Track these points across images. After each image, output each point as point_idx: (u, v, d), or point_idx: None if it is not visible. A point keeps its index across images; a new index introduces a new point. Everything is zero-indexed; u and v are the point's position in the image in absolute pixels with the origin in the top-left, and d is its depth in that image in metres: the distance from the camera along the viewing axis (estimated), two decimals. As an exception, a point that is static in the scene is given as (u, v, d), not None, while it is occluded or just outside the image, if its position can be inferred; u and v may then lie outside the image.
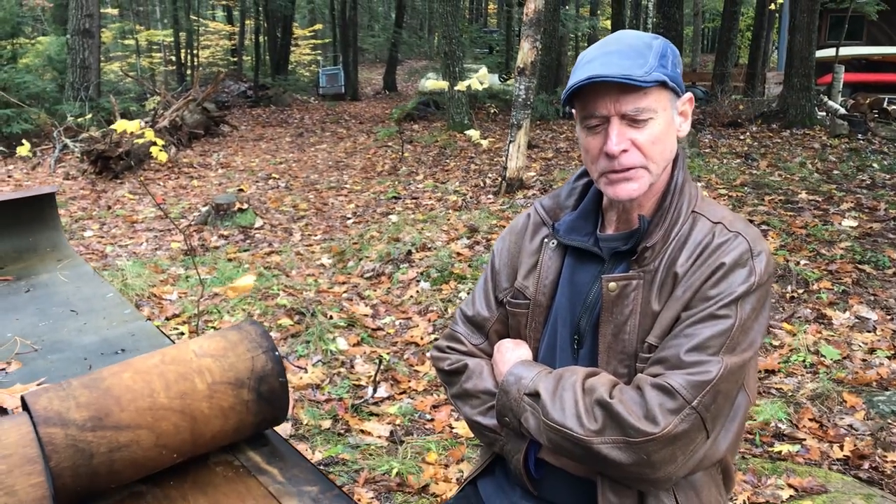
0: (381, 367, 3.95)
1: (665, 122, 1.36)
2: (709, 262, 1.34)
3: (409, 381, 3.97)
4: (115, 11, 28.61)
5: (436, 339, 4.46)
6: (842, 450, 3.25)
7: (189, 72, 27.70)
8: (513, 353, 1.51)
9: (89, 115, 11.96)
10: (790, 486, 2.94)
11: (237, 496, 0.78)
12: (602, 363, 1.41)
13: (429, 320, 4.72)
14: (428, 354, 4.34)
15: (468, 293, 4.93)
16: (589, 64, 1.34)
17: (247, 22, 26.91)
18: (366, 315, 4.84)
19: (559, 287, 1.50)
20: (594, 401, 1.31)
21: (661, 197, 1.41)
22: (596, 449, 1.29)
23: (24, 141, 7.15)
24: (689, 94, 1.44)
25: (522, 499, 1.53)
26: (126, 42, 26.00)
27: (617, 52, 1.34)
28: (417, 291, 5.15)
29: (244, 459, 0.87)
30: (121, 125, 7.40)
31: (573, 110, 1.41)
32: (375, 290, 5.32)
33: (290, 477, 0.81)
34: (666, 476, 1.30)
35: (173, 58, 28.92)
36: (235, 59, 28.15)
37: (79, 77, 13.22)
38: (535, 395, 1.38)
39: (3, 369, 1.10)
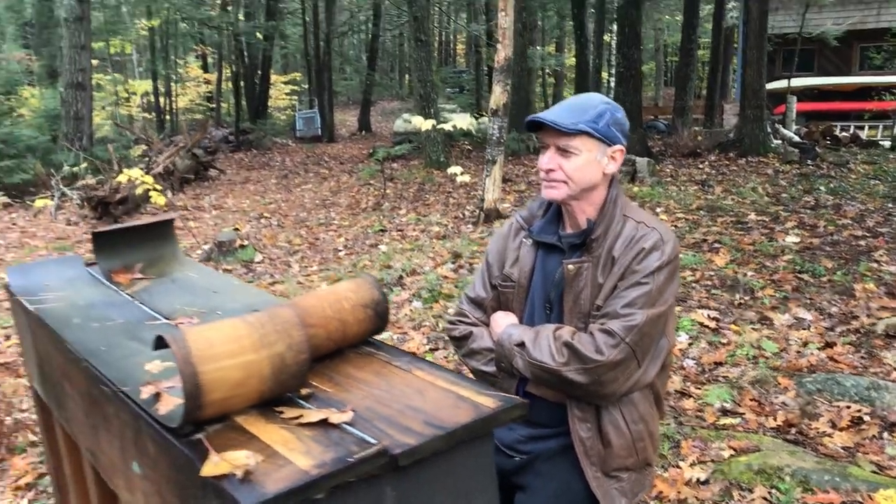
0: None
1: (585, 159, 2.01)
2: (635, 248, 2.00)
3: (411, 384, 4.58)
4: (95, 62, 29.28)
5: (431, 350, 5.10)
6: (775, 420, 3.92)
7: (168, 118, 28.40)
8: (504, 320, 2.16)
9: (84, 164, 12.56)
10: (730, 447, 3.60)
11: (365, 362, 1.40)
12: (566, 322, 2.06)
13: (423, 334, 5.36)
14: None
15: (456, 310, 5.58)
16: (547, 109, 2.03)
17: (224, 70, 27.64)
18: (367, 332, 5.45)
19: (535, 272, 2.16)
20: (562, 343, 1.96)
21: (602, 206, 2.08)
22: (564, 375, 1.93)
23: (33, 193, 7.69)
24: (619, 146, 2.08)
25: (518, 424, 2.17)
26: (106, 89, 26.59)
27: (566, 106, 2.04)
28: (411, 310, 5.79)
29: (363, 350, 1.51)
30: (126, 174, 8.07)
31: None
32: (373, 312, 5.95)
33: (393, 356, 1.46)
34: (612, 391, 1.95)
35: (149, 103, 29.63)
36: (213, 106, 28.90)
37: (72, 128, 13.84)
38: (522, 345, 2.02)
39: (191, 320, 1.73)
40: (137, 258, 2.20)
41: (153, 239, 2.26)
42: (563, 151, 1.99)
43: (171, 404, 1.24)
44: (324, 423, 1.19)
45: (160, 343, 1.18)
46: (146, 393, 1.29)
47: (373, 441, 1.12)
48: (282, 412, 1.23)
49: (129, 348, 1.58)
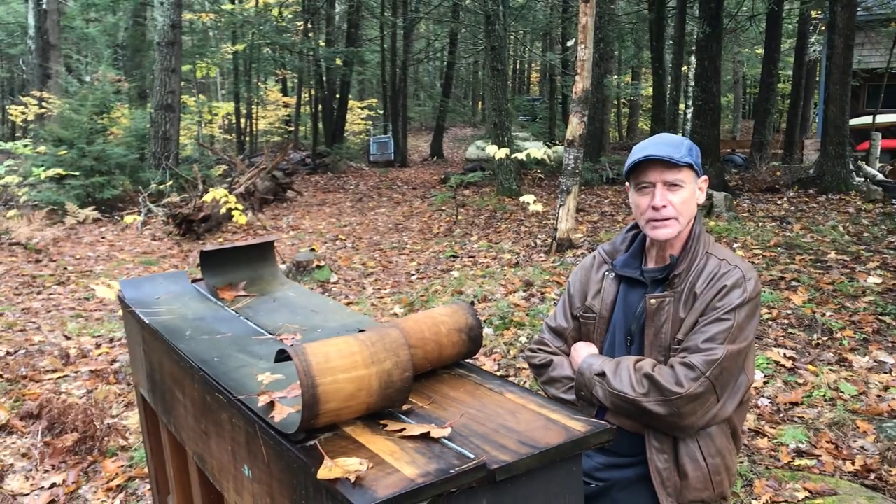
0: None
1: (690, 191, 2.09)
2: (717, 284, 2.05)
3: (481, 409, 4.66)
4: (181, 84, 30.44)
5: (502, 377, 5.16)
6: (853, 464, 3.84)
7: (247, 140, 29.30)
8: (585, 350, 2.22)
9: (170, 182, 13.10)
10: (806, 489, 3.56)
11: (458, 383, 1.49)
12: (646, 355, 2.12)
13: (494, 360, 5.43)
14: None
15: (528, 338, 5.65)
16: (644, 149, 2.10)
17: (304, 94, 28.40)
18: (438, 356, 5.56)
19: (616, 304, 2.22)
20: (642, 375, 2.02)
21: (685, 242, 2.14)
22: (644, 405, 1.99)
23: (121, 208, 8.06)
24: (705, 176, 2.17)
25: (595, 452, 2.23)
26: (191, 110, 27.60)
27: (662, 142, 2.11)
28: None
29: (456, 372, 1.61)
30: (211, 193, 8.40)
31: (626, 177, 2.15)
32: (445, 336, 6.05)
33: (484, 378, 1.56)
34: (690, 424, 1.99)
35: (230, 124, 30.64)
36: (291, 129, 29.68)
37: (160, 147, 14.47)
38: (602, 375, 2.09)
39: (294, 336, 1.86)
40: (240, 276, 2.35)
41: (255, 259, 2.41)
42: (672, 186, 2.06)
43: (284, 413, 1.36)
44: (425, 437, 1.28)
45: (281, 356, 1.29)
46: (262, 402, 1.41)
47: (471, 456, 1.21)
48: (385, 425, 1.34)
49: (239, 360, 1.71)
